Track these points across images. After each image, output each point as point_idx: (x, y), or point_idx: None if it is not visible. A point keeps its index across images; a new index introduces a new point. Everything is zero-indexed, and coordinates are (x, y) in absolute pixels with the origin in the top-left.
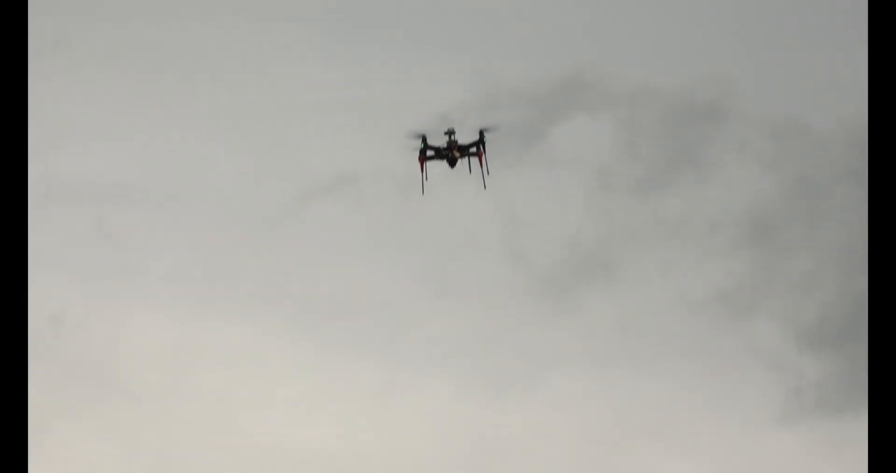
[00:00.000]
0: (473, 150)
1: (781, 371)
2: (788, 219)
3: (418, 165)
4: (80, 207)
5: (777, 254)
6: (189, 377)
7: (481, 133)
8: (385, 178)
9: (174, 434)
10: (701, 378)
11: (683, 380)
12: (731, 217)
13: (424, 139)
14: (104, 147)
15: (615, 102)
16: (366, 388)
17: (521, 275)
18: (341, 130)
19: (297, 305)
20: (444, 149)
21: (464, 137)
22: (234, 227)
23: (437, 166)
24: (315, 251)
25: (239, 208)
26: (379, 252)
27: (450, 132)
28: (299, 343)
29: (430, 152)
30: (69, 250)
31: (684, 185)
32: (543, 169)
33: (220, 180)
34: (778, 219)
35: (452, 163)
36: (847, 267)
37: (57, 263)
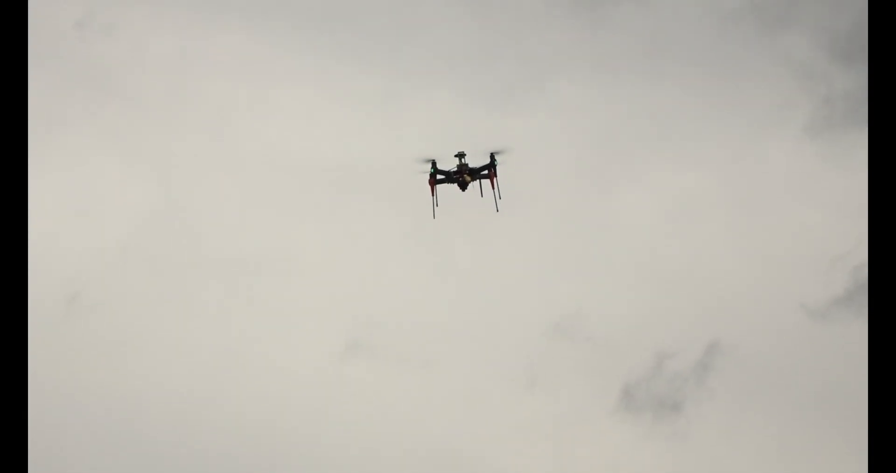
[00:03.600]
0: (485, 173)
1: (809, 82)
2: None
3: (429, 189)
4: None
5: None
6: (191, 84)
7: (492, 156)
8: None
9: (175, 139)
10: (716, 87)
11: (699, 89)
12: None
13: (434, 164)
14: None
15: None
16: (368, 95)
17: None
18: None
19: (302, 10)
20: (455, 173)
21: (474, 161)
22: None
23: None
24: None
25: None
26: None
27: (460, 155)
28: (302, 50)
29: (440, 176)
30: None
31: None
32: None
33: None
34: None
35: (463, 186)
36: None
37: None
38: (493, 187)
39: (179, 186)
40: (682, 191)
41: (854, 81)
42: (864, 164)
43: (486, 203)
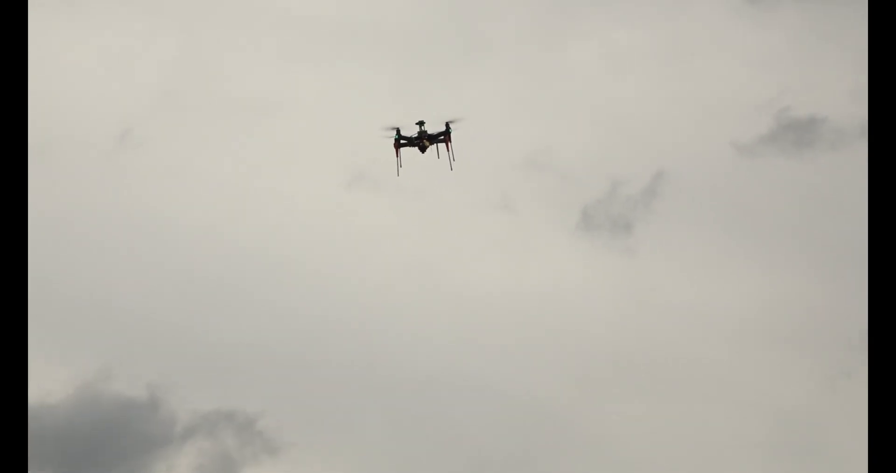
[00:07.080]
0: (441, 138)
1: None
2: None
3: (394, 151)
4: None
5: None
6: None
7: (447, 125)
8: None
9: None
10: None
11: None
12: None
13: (398, 131)
14: None
15: None
16: None
17: None
18: None
19: None
20: (416, 138)
21: (432, 128)
22: None
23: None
24: None
25: None
26: None
27: (420, 123)
28: None
29: (403, 141)
30: None
31: None
32: None
33: None
34: None
35: (423, 149)
36: None
37: None
38: (448, 150)
39: (200, 38)
40: (625, 45)
41: None
42: (787, 21)
43: (443, 163)
